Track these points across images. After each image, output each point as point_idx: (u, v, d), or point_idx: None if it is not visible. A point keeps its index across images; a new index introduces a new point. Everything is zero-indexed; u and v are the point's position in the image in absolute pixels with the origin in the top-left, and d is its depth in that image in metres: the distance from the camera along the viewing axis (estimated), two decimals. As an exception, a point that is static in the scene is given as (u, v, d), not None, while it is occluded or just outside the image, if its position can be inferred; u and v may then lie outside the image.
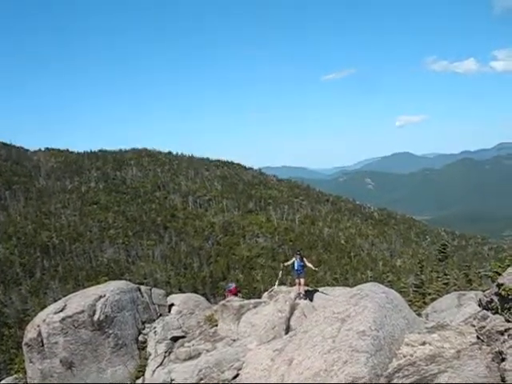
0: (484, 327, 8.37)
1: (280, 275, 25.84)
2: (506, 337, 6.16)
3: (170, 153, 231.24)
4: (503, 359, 5.63)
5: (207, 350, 21.47)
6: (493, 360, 6.03)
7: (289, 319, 21.34)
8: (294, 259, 23.04)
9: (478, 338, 8.17)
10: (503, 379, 5.25)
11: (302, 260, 22.88)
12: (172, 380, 19.74)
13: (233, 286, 29.33)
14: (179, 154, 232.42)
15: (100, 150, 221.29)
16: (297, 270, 22.95)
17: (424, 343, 8.72)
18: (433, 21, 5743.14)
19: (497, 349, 6.11)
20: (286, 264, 23.75)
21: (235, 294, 28.13)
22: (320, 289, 24.89)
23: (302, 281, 22.78)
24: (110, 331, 21.81)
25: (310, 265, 23.39)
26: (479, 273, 36.34)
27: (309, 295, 22.88)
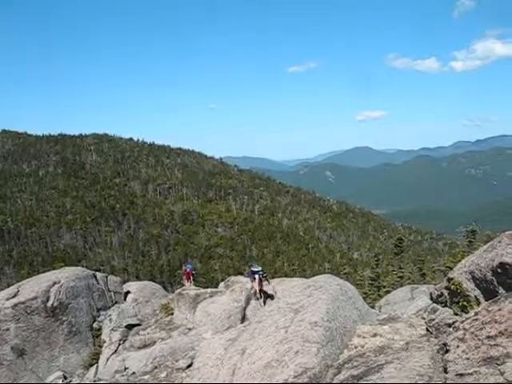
0: (433, 320, 8.57)
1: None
2: (451, 329, 6.34)
3: (131, 139, 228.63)
4: (447, 351, 5.79)
5: (162, 339, 21.43)
6: (438, 351, 6.20)
7: (245, 309, 21.46)
8: (256, 276, 21.79)
9: (427, 330, 8.36)
10: (445, 370, 5.40)
11: (263, 277, 21.95)
12: (126, 368, 19.65)
13: (189, 267, 29.42)
14: (140, 140, 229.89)
15: (59, 134, 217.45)
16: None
17: (375, 335, 8.86)
18: (396, 18, 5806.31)
19: (443, 341, 6.27)
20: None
21: (189, 277, 28.19)
22: (277, 280, 25.04)
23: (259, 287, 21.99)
24: (64, 318, 21.57)
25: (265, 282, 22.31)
26: (433, 267, 37.10)
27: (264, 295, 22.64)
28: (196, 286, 28.62)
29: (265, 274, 21.95)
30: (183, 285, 28.53)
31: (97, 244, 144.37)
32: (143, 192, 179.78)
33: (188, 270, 28.88)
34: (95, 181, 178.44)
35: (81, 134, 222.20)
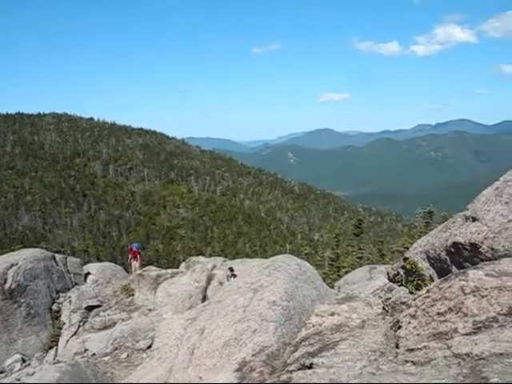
0: (389, 298, 8.74)
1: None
2: (404, 306, 6.52)
3: (91, 119, 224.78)
4: (399, 327, 5.96)
5: (123, 320, 21.43)
6: (391, 328, 6.37)
7: (205, 289, 21.55)
8: (224, 279, 20.23)
9: (383, 308, 8.53)
10: (397, 345, 5.56)
11: (234, 277, 19.02)
12: (86, 349, 19.60)
13: (135, 246, 29.18)
14: (101, 120, 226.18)
15: (17, 113, 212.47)
16: None
17: (333, 314, 8.98)
18: (358, 0, 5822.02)
19: (397, 318, 6.45)
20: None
21: (135, 257, 28.02)
22: (238, 260, 25.15)
23: None
24: (22, 300, 21.32)
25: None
26: (391, 248, 37.68)
27: None
28: (142, 264, 28.56)
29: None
30: (130, 264, 28.49)
31: (56, 225, 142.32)
32: (104, 173, 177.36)
33: (134, 248, 28.74)
34: (55, 161, 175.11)
35: (39, 113, 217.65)
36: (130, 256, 28.69)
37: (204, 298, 20.80)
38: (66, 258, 26.50)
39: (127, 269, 29.34)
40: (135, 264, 28.07)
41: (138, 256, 28.65)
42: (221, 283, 21.04)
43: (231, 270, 20.08)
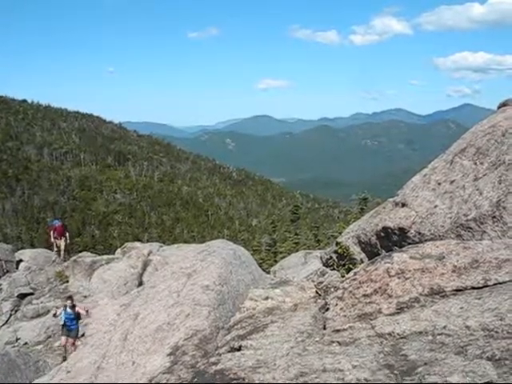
0: (322, 282, 8.94)
1: None
2: (332, 289, 6.71)
3: (24, 101, 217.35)
4: (327, 309, 6.13)
5: (57, 307, 21.06)
6: (320, 310, 6.54)
7: (141, 275, 21.46)
8: (61, 310, 16.73)
9: (316, 292, 8.71)
10: (324, 327, 5.72)
11: (73, 308, 16.47)
12: (18, 339, 19.22)
13: (59, 223, 27.99)
14: (35, 102, 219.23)
15: None
16: (66, 326, 16.46)
17: (267, 298, 9.10)
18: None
19: (325, 301, 6.63)
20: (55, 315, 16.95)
21: (62, 234, 26.96)
22: (175, 246, 25.08)
23: (72, 341, 16.44)
24: (-51, 288, 20.71)
25: (83, 312, 16.46)
26: (327, 233, 38.42)
27: None
28: (66, 243, 27.63)
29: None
30: (51, 243, 27.41)
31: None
32: (38, 157, 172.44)
33: (57, 225, 27.52)
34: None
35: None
36: (53, 234, 27.33)
37: (140, 284, 20.72)
38: (-4, 245, 25.85)
39: (52, 249, 27.90)
40: (60, 243, 26.92)
41: (67, 234, 27.67)
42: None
43: (70, 298, 17.02)
